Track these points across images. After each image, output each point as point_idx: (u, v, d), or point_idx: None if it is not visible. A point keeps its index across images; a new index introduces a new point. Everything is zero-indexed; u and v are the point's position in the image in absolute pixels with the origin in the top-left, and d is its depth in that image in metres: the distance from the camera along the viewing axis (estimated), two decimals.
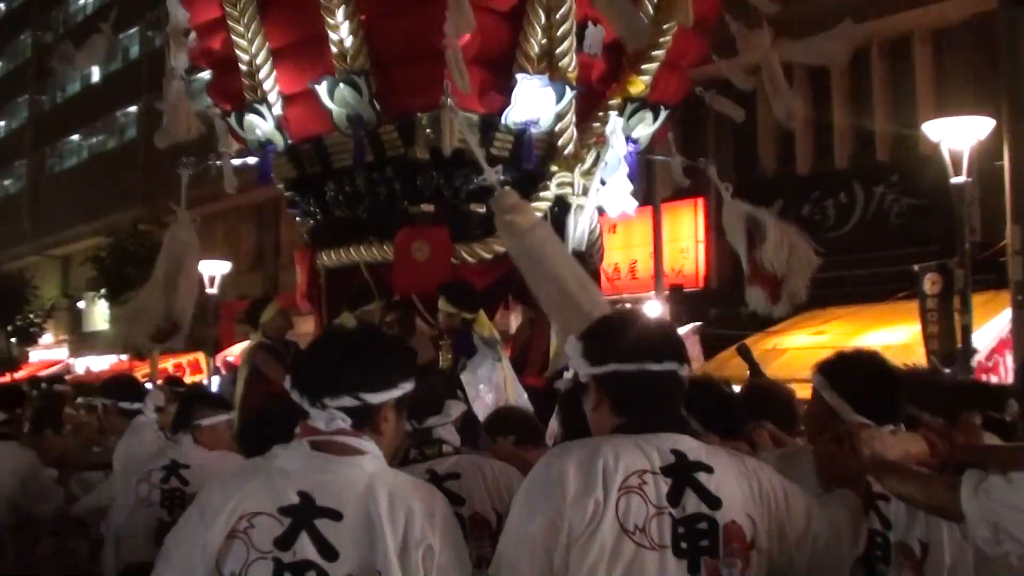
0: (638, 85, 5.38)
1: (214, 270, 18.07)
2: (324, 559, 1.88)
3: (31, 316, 30.92)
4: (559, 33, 4.97)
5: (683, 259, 19.97)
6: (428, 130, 4.92)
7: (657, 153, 6.53)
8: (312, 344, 2.21)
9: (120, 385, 4.94)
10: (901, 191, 17.11)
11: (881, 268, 15.79)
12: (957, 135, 11.05)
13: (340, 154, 5.41)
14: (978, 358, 11.75)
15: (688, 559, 1.92)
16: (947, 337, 12.46)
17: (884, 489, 2.32)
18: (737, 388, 11.82)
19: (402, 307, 5.15)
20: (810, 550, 2.11)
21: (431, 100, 4.78)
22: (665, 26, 5.41)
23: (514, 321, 7.37)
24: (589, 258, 5.59)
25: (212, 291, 17.88)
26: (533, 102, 4.97)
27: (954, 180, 11.09)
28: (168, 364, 24.51)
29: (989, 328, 12.50)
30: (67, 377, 29.48)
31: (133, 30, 28.80)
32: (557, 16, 4.94)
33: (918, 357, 11.34)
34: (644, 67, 5.42)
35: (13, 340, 30.77)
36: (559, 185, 5.28)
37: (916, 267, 13.09)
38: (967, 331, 11.15)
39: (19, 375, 30.35)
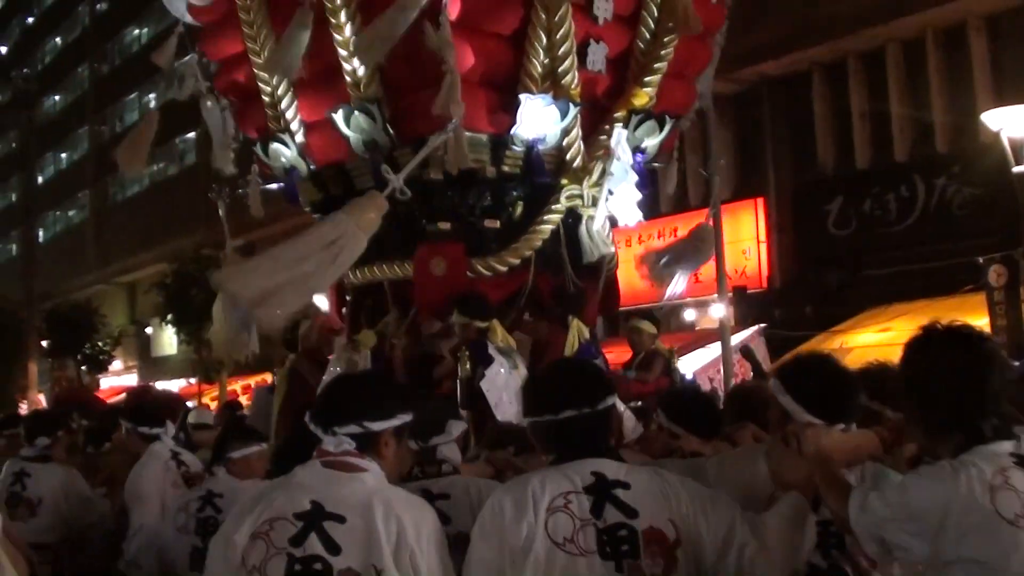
0: (642, 97, 5.68)
1: None
2: (328, 553, 2.35)
3: (100, 344, 32.18)
4: (560, 52, 5.31)
5: (745, 260, 20.05)
6: (440, 152, 5.27)
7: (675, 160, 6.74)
8: (327, 385, 2.83)
9: (141, 409, 5.16)
10: (962, 182, 17.01)
11: (945, 261, 15.73)
12: (1017, 123, 11.03)
13: (361, 177, 5.81)
14: None
15: (614, 561, 2.33)
16: (1016, 329, 12.42)
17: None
18: None
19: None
20: (736, 561, 2.40)
21: (441, 124, 5.14)
22: (666, 38, 5.68)
23: None
24: (603, 267, 5.91)
25: None
26: (539, 120, 5.31)
27: (1016, 169, 11.06)
28: (237, 386, 25.32)
29: None
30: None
31: (188, 56, 29.83)
32: (557, 37, 5.27)
33: None
34: (647, 79, 5.72)
35: (84, 368, 31.90)
36: (568, 198, 5.61)
37: (981, 259, 13.08)
38: None
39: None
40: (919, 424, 2.52)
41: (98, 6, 38.26)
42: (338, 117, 5.47)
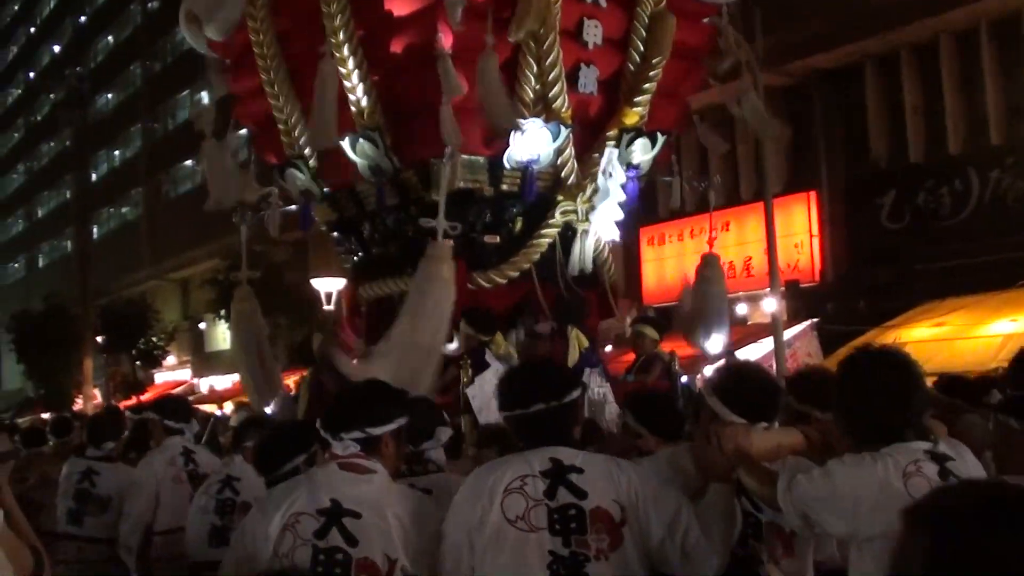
0: (632, 116, 6.13)
1: (330, 286, 18.73)
2: (348, 545, 2.89)
3: (154, 339, 33.04)
4: (550, 79, 5.80)
5: (797, 254, 20.18)
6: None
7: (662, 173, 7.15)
8: (335, 396, 3.37)
9: (169, 405, 5.72)
10: (1017, 175, 17.05)
11: (999, 255, 15.79)
12: None
13: (371, 198, 6.38)
14: None
15: (561, 537, 2.78)
16: None
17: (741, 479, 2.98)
18: None
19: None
20: (680, 545, 2.80)
21: (440, 148, 5.65)
22: (655, 59, 6.12)
23: None
24: (600, 276, 6.38)
25: (329, 308, 18.92)
26: (532, 142, 5.79)
27: None
28: (290, 381, 26.13)
29: None
30: (191, 397, 31.63)
31: None
32: (547, 64, 5.77)
33: None
34: (637, 99, 6.18)
35: (138, 363, 32.91)
36: (563, 213, 6.10)
37: None
38: None
39: (145, 397, 32.68)
40: (850, 436, 2.82)
41: (150, 5, 39.31)
42: (345, 144, 6.03)
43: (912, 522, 1.27)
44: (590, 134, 6.25)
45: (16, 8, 59.43)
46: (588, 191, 6.11)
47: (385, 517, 2.92)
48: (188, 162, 37.07)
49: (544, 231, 6.08)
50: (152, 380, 36.62)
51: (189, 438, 5.38)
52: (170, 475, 5.17)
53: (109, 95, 43.46)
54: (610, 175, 5.96)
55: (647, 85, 6.22)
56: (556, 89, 5.84)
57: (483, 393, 5.28)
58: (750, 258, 20.79)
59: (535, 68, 5.79)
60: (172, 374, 37.54)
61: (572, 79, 6.05)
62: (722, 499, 2.89)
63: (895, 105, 18.79)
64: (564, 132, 5.87)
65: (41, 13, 54.81)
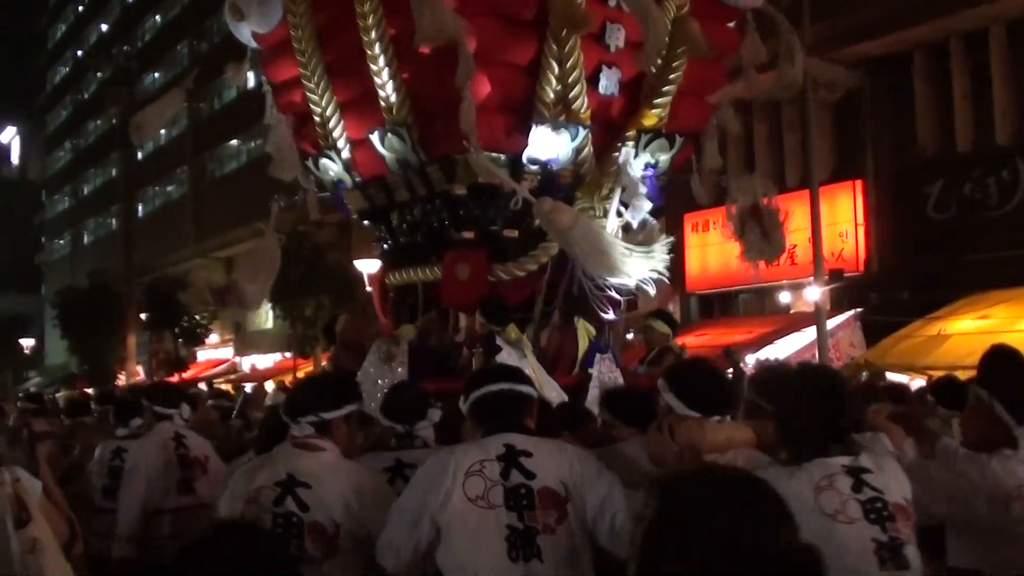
0: (651, 118, 6.51)
1: (373, 268, 19.24)
2: (300, 511, 3.45)
3: (197, 317, 34.00)
4: (570, 80, 6.18)
5: (842, 243, 20.38)
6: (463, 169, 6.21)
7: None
8: (296, 384, 3.80)
9: (159, 391, 6.20)
10: None
11: None
12: None
13: (399, 189, 6.81)
14: None
15: (516, 512, 3.26)
16: None
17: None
18: (897, 377, 12.47)
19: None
20: (609, 524, 3.22)
21: (464, 144, 6.07)
22: (676, 62, 6.47)
23: None
24: None
25: (370, 289, 19.44)
26: (552, 141, 6.20)
27: None
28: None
29: None
30: (232, 376, 32.39)
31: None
32: (567, 66, 6.15)
33: None
34: (657, 101, 6.55)
35: (181, 341, 33.87)
36: (581, 210, 6.48)
37: None
38: None
39: (187, 375, 33.51)
40: (784, 448, 3.10)
41: None
42: (375, 138, 6.49)
43: (650, 489, 1.73)
44: (611, 134, 6.62)
45: None
46: (605, 188, 6.49)
47: (333, 488, 3.45)
48: (233, 142, 37.82)
49: None
50: (195, 358, 37.54)
51: (179, 422, 5.81)
52: (162, 459, 5.61)
53: (156, 74, 44.36)
54: (628, 174, 6.33)
55: (667, 88, 6.58)
56: (576, 91, 6.22)
57: None
58: (794, 246, 20.86)
59: (556, 70, 6.17)
60: (214, 352, 38.49)
61: (594, 81, 6.41)
62: None
63: (943, 94, 18.92)
64: (583, 132, 6.26)
65: None
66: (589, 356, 6.42)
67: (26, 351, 57.34)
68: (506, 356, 5.85)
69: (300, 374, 25.35)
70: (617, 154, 6.51)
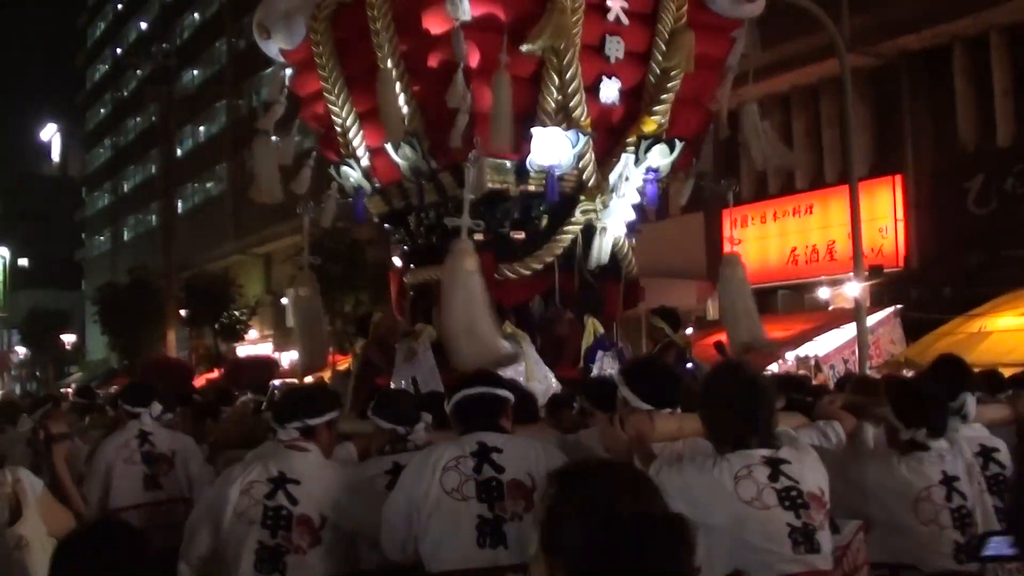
0: (651, 125, 7.06)
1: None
2: (290, 504, 4.06)
3: (236, 313, 34.95)
4: (570, 90, 6.77)
5: (882, 239, 20.56)
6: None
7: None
8: (282, 395, 4.49)
9: (131, 390, 6.46)
10: None
11: None
12: None
13: (415, 194, 7.43)
14: None
15: (487, 503, 3.86)
16: None
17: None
18: None
19: None
20: None
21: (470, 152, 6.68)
22: (673, 72, 7.03)
23: None
24: (622, 271, 7.34)
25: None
26: (554, 148, 6.78)
27: None
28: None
29: None
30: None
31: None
32: (567, 77, 6.74)
33: None
34: (655, 108, 7.10)
35: (220, 337, 34.88)
36: (583, 212, 7.09)
37: None
38: None
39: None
40: (711, 439, 3.47)
41: None
42: (389, 147, 7.11)
43: (549, 478, 2.27)
44: (612, 140, 7.18)
45: None
46: (606, 192, 7.07)
47: (318, 485, 4.04)
48: (273, 138, 38.48)
49: (567, 228, 7.08)
50: (234, 354, 38.16)
51: (147, 421, 6.08)
52: (122, 457, 5.92)
53: (195, 71, 45.40)
54: (627, 179, 6.90)
55: (665, 96, 7.12)
56: (576, 100, 6.79)
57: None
58: (833, 242, 21.27)
59: (556, 81, 6.75)
60: (253, 348, 38.92)
61: (594, 90, 6.98)
62: None
63: (984, 88, 19.10)
64: (583, 139, 6.83)
65: None
66: (592, 352, 6.96)
67: (67, 347, 58.95)
68: None
69: (340, 368, 25.98)
70: (617, 159, 7.06)
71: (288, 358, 35.62)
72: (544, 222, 7.17)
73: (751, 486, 3.23)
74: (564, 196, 7.04)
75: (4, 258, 62.79)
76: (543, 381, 6.42)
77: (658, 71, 7.12)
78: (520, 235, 7.12)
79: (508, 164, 6.89)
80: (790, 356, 18.57)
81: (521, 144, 6.79)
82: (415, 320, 7.55)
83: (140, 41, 52.73)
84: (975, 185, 19.37)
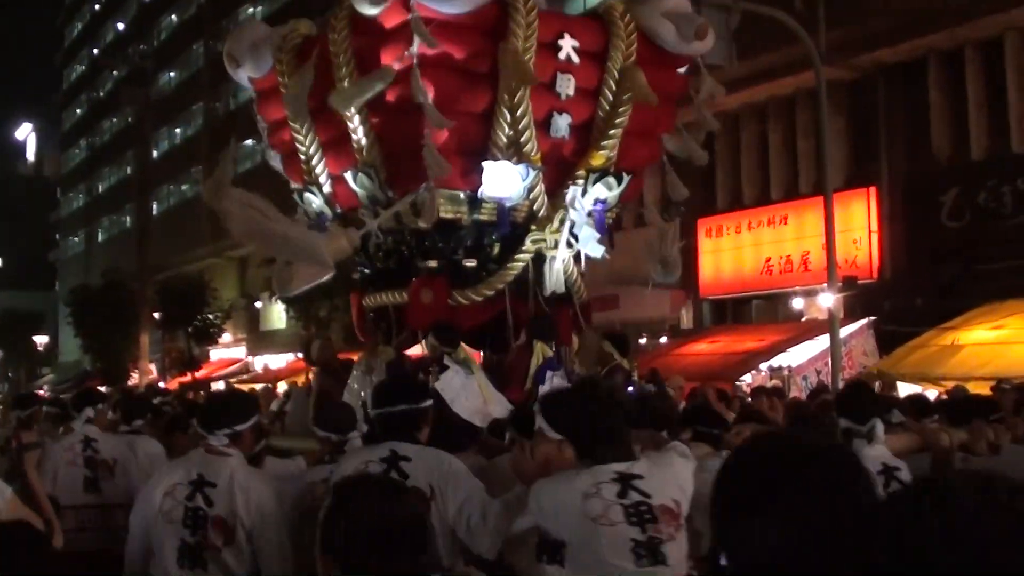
0: (599, 159, 7.55)
1: None
2: (206, 506, 4.40)
3: (210, 316, 35.13)
4: (520, 126, 7.25)
5: (856, 250, 20.86)
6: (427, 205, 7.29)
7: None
8: (209, 398, 4.93)
9: (75, 397, 7.06)
10: None
11: None
12: None
13: (373, 221, 7.87)
14: None
15: None
16: None
17: None
18: (913, 388, 13.09)
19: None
20: (465, 523, 3.99)
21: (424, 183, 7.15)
22: (622, 108, 7.51)
23: None
24: (573, 296, 7.82)
25: None
26: (504, 180, 7.26)
27: None
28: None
29: None
30: (245, 376, 33.44)
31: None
32: (518, 114, 7.22)
33: None
34: (604, 143, 7.59)
35: (194, 340, 35.02)
36: (533, 241, 7.58)
37: None
38: None
39: (200, 374, 34.62)
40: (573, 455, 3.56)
41: None
42: (348, 176, 7.57)
43: (329, 489, 2.77)
44: (562, 173, 7.68)
45: None
46: (556, 222, 7.54)
47: (233, 488, 4.34)
48: (248, 141, 38.76)
49: (517, 256, 7.57)
50: (207, 357, 38.46)
51: (91, 428, 6.49)
52: (65, 459, 6.29)
53: (172, 73, 45.63)
54: (575, 209, 7.38)
55: (613, 131, 7.61)
56: (526, 136, 7.29)
57: (451, 387, 6.63)
58: (808, 252, 21.63)
59: (508, 116, 7.23)
60: (227, 351, 39.28)
61: (545, 125, 7.47)
62: (517, 500, 3.83)
63: (958, 101, 19.47)
64: (533, 173, 7.32)
65: None
66: (540, 372, 7.38)
67: (39, 348, 59.04)
68: (452, 375, 6.75)
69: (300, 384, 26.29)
70: (566, 191, 7.54)
71: (262, 363, 36.00)
72: (496, 250, 7.63)
73: (598, 503, 3.36)
74: (516, 226, 7.51)
75: None
76: (501, 403, 6.82)
77: (607, 107, 7.59)
78: (472, 262, 7.58)
79: (462, 195, 7.36)
80: (763, 367, 18.95)
81: (474, 177, 7.26)
82: (376, 340, 8.02)
83: (117, 42, 52.92)
84: (949, 198, 19.64)
